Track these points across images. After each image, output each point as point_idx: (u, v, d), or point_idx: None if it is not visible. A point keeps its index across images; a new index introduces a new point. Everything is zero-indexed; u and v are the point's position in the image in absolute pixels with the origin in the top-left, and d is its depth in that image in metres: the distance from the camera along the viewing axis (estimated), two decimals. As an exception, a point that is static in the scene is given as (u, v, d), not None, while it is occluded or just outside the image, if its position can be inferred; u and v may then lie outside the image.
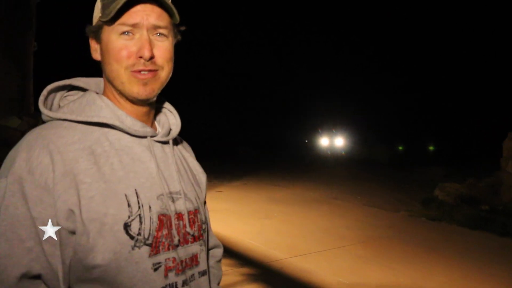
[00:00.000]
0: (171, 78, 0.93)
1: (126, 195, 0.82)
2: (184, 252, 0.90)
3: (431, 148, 24.23)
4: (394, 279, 4.33)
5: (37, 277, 0.77)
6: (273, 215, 7.21)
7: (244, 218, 6.79)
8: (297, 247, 5.28)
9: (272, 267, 4.52)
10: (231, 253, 4.89)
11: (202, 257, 0.96)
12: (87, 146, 0.83)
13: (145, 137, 0.92)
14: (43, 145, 0.80)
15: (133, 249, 0.80)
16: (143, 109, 0.93)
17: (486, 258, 5.17)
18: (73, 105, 0.89)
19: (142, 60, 0.85)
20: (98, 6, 0.89)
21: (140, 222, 0.82)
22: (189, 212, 0.94)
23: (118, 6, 0.82)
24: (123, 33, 0.85)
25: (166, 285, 0.85)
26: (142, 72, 0.86)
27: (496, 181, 8.53)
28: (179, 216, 0.91)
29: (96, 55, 0.92)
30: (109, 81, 0.90)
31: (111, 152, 0.85)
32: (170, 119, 1.03)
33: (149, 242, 0.83)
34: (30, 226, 0.76)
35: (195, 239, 0.94)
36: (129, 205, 0.82)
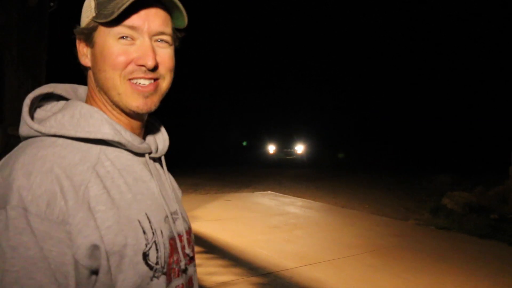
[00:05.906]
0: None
1: (139, 221, 0.74)
2: (186, 276, 0.86)
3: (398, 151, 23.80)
4: (404, 288, 4.33)
5: None
6: (282, 224, 7.23)
7: (253, 227, 6.81)
8: (307, 256, 5.29)
9: (281, 276, 4.54)
10: (240, 261, 4.92)
11: (195, 279, 0.91)
12: (90, 167, 0.72)
13: (143, 154, 0.84)
14: (46, 169, 0.67)
15: (151, 280, 0.74)
16: (138, 123, 0.84)
17: (496, 267, 5.15)
18: (62, 118, 0.75)
19: (143, 68, 0.77)
20: (90, 4, 0.78)
21: (157, 250, 0.75)
22: (186, 232, 0.88)
23: (124, 7, 0.72)
24: (122, 37, 0.76)
25: None
26: (142, 84, 0.78)
27: (505, 190, 8.50)
28: (180, 237, 0.84)
29: (85, 60, 0.81)
30: (103, 91, 0.79)
31: (115, 172, 0.76)
32: (157, 133, 0.94)
33: (165, 270, 0.77)
34: (47, 268, 0.64)
35: (191, 260, 0.89)
36: (144, 232, 0.74)
